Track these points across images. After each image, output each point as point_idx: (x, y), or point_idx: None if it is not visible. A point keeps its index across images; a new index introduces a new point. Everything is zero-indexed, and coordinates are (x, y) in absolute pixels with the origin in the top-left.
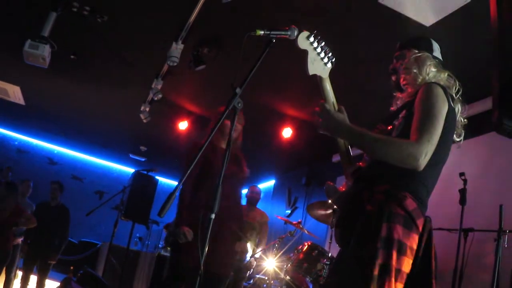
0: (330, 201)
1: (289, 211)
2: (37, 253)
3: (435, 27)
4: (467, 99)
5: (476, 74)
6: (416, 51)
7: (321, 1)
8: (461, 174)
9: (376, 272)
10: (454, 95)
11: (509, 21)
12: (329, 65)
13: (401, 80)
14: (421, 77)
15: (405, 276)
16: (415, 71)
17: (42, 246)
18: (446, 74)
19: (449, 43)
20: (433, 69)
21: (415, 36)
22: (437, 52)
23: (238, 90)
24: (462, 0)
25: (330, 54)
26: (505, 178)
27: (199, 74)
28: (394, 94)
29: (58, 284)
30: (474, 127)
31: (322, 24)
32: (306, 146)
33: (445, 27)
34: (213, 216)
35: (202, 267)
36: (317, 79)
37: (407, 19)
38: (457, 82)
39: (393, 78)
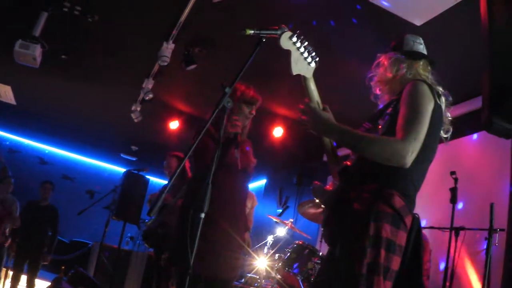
0: (317, 200)
1: (280, 211)
2: (26, 253)
3: (425, 27)
4: (458, 98)
5: (467, 73)
6: (393, 53)
7: (312, 0)
8: (452, 173)
9: (364, 270)
10: (439, 90)
11: (500, 20)
12: (313, 64)
13: (380, 83)
14: (398, 77)
15: (394, 274)
16: (392, 72)
17: (32, 246)
18: (420, 62)
19: (439, 43)
20: (403, 65)
21: (393, 39)
22: (410, 45)
23: (227, 90)
24: None
25: (313, 54)
26: (496, 177)
27: (190, 73)
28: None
29: (49, 283)
30: (465, 126)
31: (313, 22)
32: (297, 145)
33: (436, 27)
34: (202, 215)
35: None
36: (300, 79)
37: (398, 18)
38: (429, 68)
39: (375, 84)
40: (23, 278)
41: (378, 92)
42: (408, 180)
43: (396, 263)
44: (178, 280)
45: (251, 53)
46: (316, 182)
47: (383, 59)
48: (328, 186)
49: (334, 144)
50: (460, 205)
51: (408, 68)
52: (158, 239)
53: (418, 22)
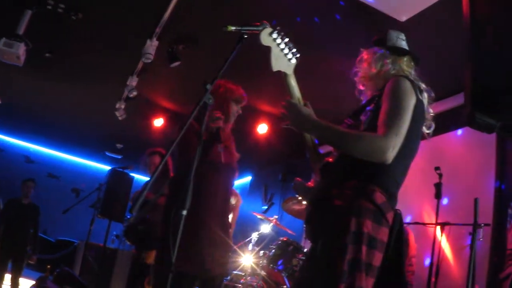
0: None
1: (265, 207)
2: (10, 251)
3: (410, 22)
4: (442, 94)
5: (452, 68)
6: (377, 48)
7: None
8: (437, 168)
9: (345, 267)
10: (421, 86)
11: (482, 15)
12: (294, 61)
13: (367, 80)
14: (385, 72)
15: (376, 270)
16: (377, 68)
17: (15, 244)
18: (404, 58)
19: (424, 38)
20: (387, 60)
21: (375, 35)
22: (393, 41)
23: (208, 86)
24: None
25: (294, 50)
26: (480, 172)
27: (174, 71)
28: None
29: (34, 282)
30: (450, 122)
31: (297, 19)
32: (282, 142)
33: (420, 22)
34: (184, 212)
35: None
36: (281, 76)
37: (382, 14)
38: (412, 64)
39: (359, 81)
40: (7, 277)
41: (362, 87)
42: (389, 176)
43: (378, 259)
44: (160, 280)
45: (233, 50)
46: (297, 178)
47: (367, 54)
48: (309, 183)
49: (316, 141)
50: (445, 201)
51: (392, 64)
52: (139, 235)
53: (402, 18)
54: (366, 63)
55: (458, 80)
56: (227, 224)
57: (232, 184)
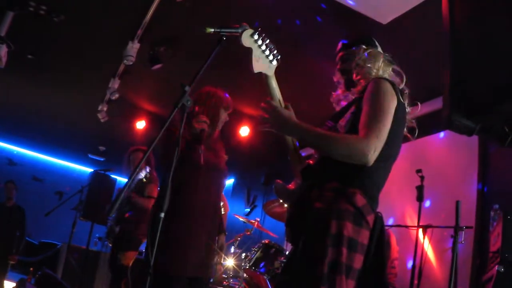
0: (280, 200)
1: (248, 210)
2: None
3: (391, 25)
4: (423, 97)
5: (433, 71)
6: (365, 47)
7: None
8: (418, 171)
9: (326, 270)
10: (402, 90)
11: (460, 20)
12: (275, 62)
13: (354, 76)
14: (374, 72)
15: (356, 273)
16: (369, 65)
17: (0, 247)
18: (391, 68)
19: (405, 41)
20: (385, 65)
21: (358, 35)
22: (380, 48)
23: (187, 88)
24: None
25: (275, 52)
26: (462, 175)
27: (156, 73)
28: (335, 92)
29: (14, 284)
30: (432, 124)
31: (278, 21)
32: (264, 145)
33: (401, 25)
34: (162, 215)
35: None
36: (262, 77)
37: (363, 17)
38: (404, 77)
39: (344, 77)
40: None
41: (340, 91)
42: (370, 179)
43: (358, 261)
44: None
45: (211, 51)
46: (278, 180)
47: (371, 53)
48: (290, 185)
49: (297, 143)
50: (427, 203)
51: (385, 70)
52: (115, 235)
53: (383, 20)
54: (363, 56)
55: (440, 83)
56: (214, 228)
57: (218, 186)
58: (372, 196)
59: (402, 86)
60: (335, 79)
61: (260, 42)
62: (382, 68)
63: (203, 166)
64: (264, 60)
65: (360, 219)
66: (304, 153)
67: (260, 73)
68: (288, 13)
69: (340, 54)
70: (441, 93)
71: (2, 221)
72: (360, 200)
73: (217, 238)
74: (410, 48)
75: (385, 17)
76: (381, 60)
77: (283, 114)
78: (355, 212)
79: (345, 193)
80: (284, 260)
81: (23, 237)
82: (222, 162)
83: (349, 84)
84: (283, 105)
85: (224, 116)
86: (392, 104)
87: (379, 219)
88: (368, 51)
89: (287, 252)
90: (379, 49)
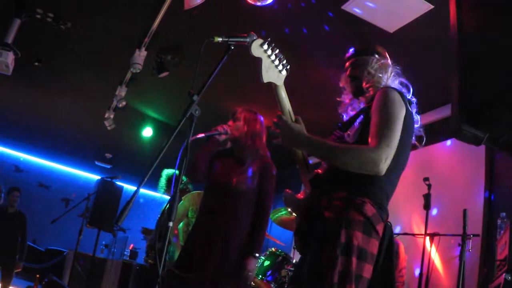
0: (289, 209)
1: None
2: None
3: (398, 34)
4: (431, 105)
5: (440, 79)
6: (378, 57)
7: (284, 8)
8: (425, 179)
9: (335, 279)
10: (410, 99)
11: (469, 27)
12: (284, 72)
13: (364, 84)
14: (383, 82)
15: (366, 282)
16: (380, 75)
17: (3, 253)
18: (398, 81)
19: (412, 49)
20: (393, 76)
21: (370, 44)
22: (389, 60)
23: (195, 97)
24: (425, 6)
25: (284, 62)
26: (469, 183)
27: (162, 81)
28: (341, 99)
29: None
30: (439, 132)
31: (286, 30)
32: (270, 152)
33: (408, 34)
34: (170, 224)
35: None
36: (272, 87)
37: (371, 25)
38: (410, 89)
39: (353, 84)
40: None
41: (365, 86)
42: (380, 188)
43: (368, 271)
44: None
45: (219, 60)
46: (287, 190)
47: (383, 64)
48: (299, 194)
49: (306, 153)
50: (434, 211)
51: (393, 81)
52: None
53: (390, 29)
54: (376, 66)
55: (447, 91)
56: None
57: (225, 206)
58: (382, 205)
59: (409, 97)
60: (341, 85)
61: (269, 52)
62: (390, 79)
63: (211, 180)
64: (274, 70)
65: (369, 229)
66: (311, 160)
67: (269, 82)
68: (296, 21)
69: (352, 60)
70: (448, 102)
71: (3, 227)
72: (369, 209)
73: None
74: (417, 57)
75: (392, 25)
76: (390, 72)
77: (294, 128)
78: (364, 222)
79: (354, 203)
80: (291, 269)
81: (25, 243)
82: (240, 179)
83: (358, 92)
84: (293, 115)
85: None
86: (401, 113)
87: (388, 228)
88: (381, 61)
89: (294, 261)
90: (389, 61)
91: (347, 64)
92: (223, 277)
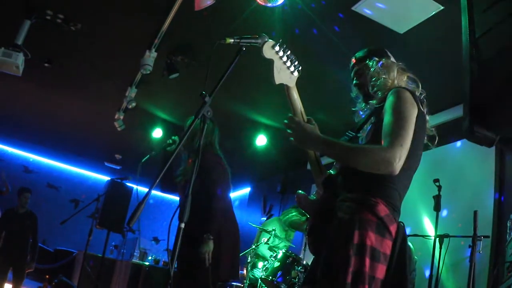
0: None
1: (264, 219)
2: (10, 260)
3: (408, 34)
4: (441, 105)
5: (450, 80)
6: (378, 59)
7: (294, 9)
8: (436, 180)
9: (349, 279)
10: (422, 99)
11: (480, 28)
12: (296, 73)
13: (370, 89)
14: (390, 82)
15: (379, 283)
16: (384, 76)
17: (15, 253)
18: (405, 76)
19: (422, 50)
20: (400, 73)
21: (368, 48)
22: (392, 58)
23: (207, 99)
24: (435, 7)
25: (296, 63)
26: (479, 184)
27: (173, 82)
28: (355, 109)
29: None
30: (449, 133)
31: (296, 31)
32: (281, 154)
33: (419, 35)
34: (182, 225)
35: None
36: (284, 88)
37: (381, 26)
38: (419, 84)
39: (361, 92)
40: (8, 287)
41: (372, 89)
42: (392, 188)
43: (381, 271)
44: None
45: (231, 62)
46: (300, 191)
47: (385, 64)
48: (312, 195)
49: (318, 154)
50: (444, 213)
51: (401, 79)
52: None
53: (400, 30)
54: (377, 68)
55: (457, 92)
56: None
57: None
58: (394, 206)
59: (418, 92)
60: (352, 95)
61: (281, 53)
62: (397, 77)
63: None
64: (285, 72)
65: (382, 229)
66: (323, 161)
67: (281, 84)
68: (306, 22)
69: (354, 69)
70: (459, 103)
71: (14, 227)
72: (382, 210)
73: None
74: (427, 58)
75: (402, 26)
76: (395, 69)
77: (307, 129)
78: (378, 222)
79: (367, 203)
80: (301, 270)
81: (36, 243)
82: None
83: (367, 98)
84: (305, 116)
85: None
86: (413, 113)
87: (401, 229)
88: (381, 62)
89: (304, 262)
90: (392, 59)
91: (352, 75)
92: None
